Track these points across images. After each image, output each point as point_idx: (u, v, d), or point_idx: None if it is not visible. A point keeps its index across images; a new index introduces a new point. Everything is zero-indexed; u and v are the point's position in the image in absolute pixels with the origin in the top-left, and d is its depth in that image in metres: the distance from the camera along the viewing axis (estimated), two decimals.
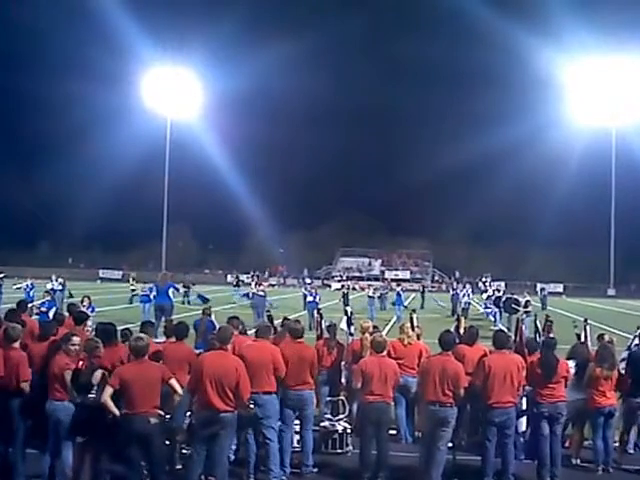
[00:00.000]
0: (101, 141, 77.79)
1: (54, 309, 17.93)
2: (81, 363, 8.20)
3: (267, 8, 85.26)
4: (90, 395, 7.84)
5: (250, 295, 30.94)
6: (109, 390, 7.71)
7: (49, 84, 74.71)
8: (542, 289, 47.57)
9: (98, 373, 7.94)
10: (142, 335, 8.50)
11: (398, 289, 35.97)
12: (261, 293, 29.22)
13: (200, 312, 14.05)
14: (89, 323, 11.57)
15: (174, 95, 78.13)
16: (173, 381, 7.99)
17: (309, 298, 29.49)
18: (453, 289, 40.55)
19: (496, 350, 9.42)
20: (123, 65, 76.62)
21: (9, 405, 8.47)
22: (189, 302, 35.16)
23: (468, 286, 38.98)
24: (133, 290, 37.45)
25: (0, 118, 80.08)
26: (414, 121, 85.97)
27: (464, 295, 35.37)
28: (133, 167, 73.29)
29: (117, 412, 7.69)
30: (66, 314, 12.42)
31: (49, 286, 29.42)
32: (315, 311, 14.25)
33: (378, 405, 9.07)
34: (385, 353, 9.53)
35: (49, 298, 20.81)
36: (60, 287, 31.79)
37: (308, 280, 41.20)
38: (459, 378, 8.91)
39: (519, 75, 76.68)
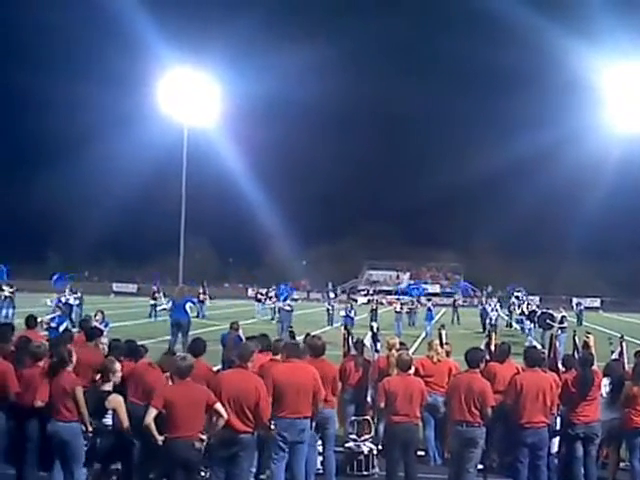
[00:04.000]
0: (114, 146, 77.97)
1: (65, 324, 18.01)
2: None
3: (287, 11, 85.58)
4: (104, 420, 7.81)
5: (277, 310, 31.13)
6: (153, 412, 7.65)
7: (61, 85, 75.37)
8: (578, 303, 47.17)
9: (115, 396, 7.93)
10: (186, 355, 8.54)
11: (428, 304, 36.03)
12: (287, 308, 29.36)
13: (220, 327, 14.15)
14: (103, 340, 11.53)
15: (191, 100, 78.47)
16: (218, 405, 7.89)
17: (341, 313, 29.72)
18: (482, 304, 40.45)
19: (528, 368, 9.41)
20: (139, 68, 76.90)
21: (25, 426, 8.58)
22: (203, 316, 35.37)
23: (495, 300, 38.96)
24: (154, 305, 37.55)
25: (9, 120, 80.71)
26: (442, 127, 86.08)
27: (492, 310, 35.31)
28: (148, 175, 73.73)
29: (160, 438, 7.62)
30: (76, 330, 12.46)
31: (62, 299, 29.66)
32: (343, 327, 14.34)
33: (404, 426, 9.08)
34: (412, 371, 9.57)
35: (59, 313, 20.89)
36: (77, 302, 31.95)
37: (332, 295, 41.19)
38: (486, 396, 8.94)
39: (554, 78, 76.38)
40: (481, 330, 33.59)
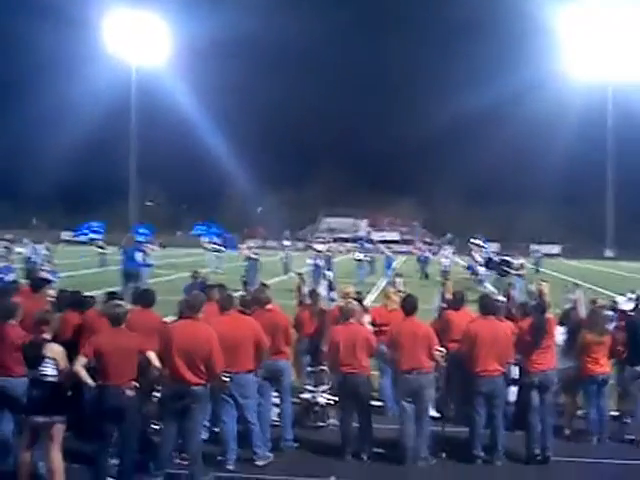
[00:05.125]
0: (61, 88, 75.95)
1: (12, 275, 17.73)
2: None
3: None
4: (42, 369, 7.74)
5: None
6: (82, 360, 7.73)
7: (2, 25, 73.33)
8: (536, 251, 47.89)
9: (54, 346, 7.87)
10: (120, 302, 8.53)
11: (388, 252, 36.47)
12: (254, 256, 29.18)
13: (172, 276, 14.09)
14: (50, 291, 11.39)
15: (139, 40, 76.77)
16: (151, 353, 8.00)
17: (309, 261, 29.90)
18: (421, 250, 41.29)
19: (483, 316, 9.54)
20: (84, 8, 75.09)
21: None
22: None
23: (449, 247, 39.76)
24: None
25: None
26: (403, 75, 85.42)
27: (445, 257, 36.04)
28: (96, 118, 72.26)
29: (92, 382, 7.70)
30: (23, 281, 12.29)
31: (22, 250, 29.14)
32: (297, 275, 14.29)
33: (350, 376, 9.17)
34: (368, 319, 9.61)
35: (6, 263, 20.59)
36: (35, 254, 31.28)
37: (287, 242, 41.14)
38: (432, 340, 9.13)
39: (512, 25, 76.07)
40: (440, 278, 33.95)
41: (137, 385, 7.89)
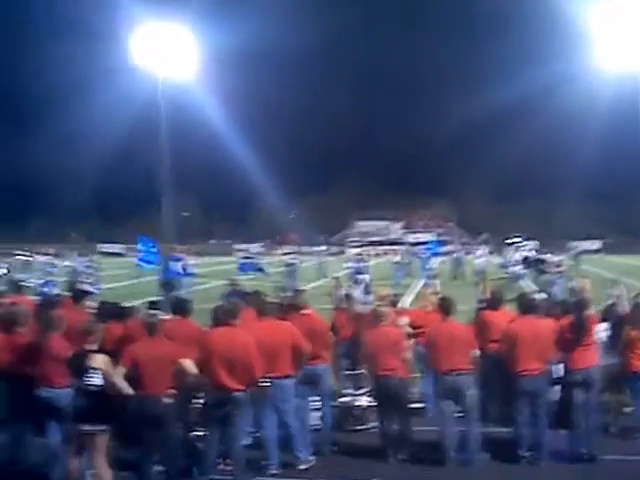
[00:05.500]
0: (92, 103, 76.90)
1: (56, 288, 18.02)
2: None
3: None
4: (87, 379, 7.88)
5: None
6: (121, 370, 7.85)
7: (31, 42, 74.33)
8: (574, 247, 47.46)
9: (99, 356, 8.00)
10: (155, 312, 8.65)
11: (426, 254, 36.55)
12: (292, 261, 29.32)
13: (208, 285, 14.21)
14: (91, 303, 11.59)
15: (167, 52, 77.40)
16: (187, 361, 8.11)
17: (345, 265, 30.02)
18: (456, 251, 41.13)
19: (522, 315, 9.50)
20: (111, 22, 75.90)
21: (16, 392, 8.64)
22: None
23: (483, 247, 39.59)
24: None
25: None
26: (428, 72, 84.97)
27: (480, 257, 35.92)
28: (126, 130, 72.73)
29: (131, 391, 7.81)
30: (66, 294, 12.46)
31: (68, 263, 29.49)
32: (333, 280, 14.36)
33: (385, 379, 9.19)
34: (405, 322, 9.61)
35: (50, 278, 20.92)
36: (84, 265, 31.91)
37: (322, 247, 41.26)
38: (470, 341, 9.13)
39: (541, 18, 75.51)
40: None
41: (174, 393, 7.99)
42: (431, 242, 39.97)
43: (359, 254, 34.01)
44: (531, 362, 9.11)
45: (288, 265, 29.58)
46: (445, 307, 9.48)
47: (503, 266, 33.63)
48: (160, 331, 8.24)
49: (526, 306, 9.51)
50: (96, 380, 7.77)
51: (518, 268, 30.19)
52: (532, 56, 73.66)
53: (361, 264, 29.50)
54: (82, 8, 76.26)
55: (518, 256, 31.17)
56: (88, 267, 32.69)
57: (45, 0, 78.95)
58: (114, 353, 8.71)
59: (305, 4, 77.11)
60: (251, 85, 77.50)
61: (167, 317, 9.80)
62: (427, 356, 9.56)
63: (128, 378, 7.87)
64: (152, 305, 10.35)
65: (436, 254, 39.50)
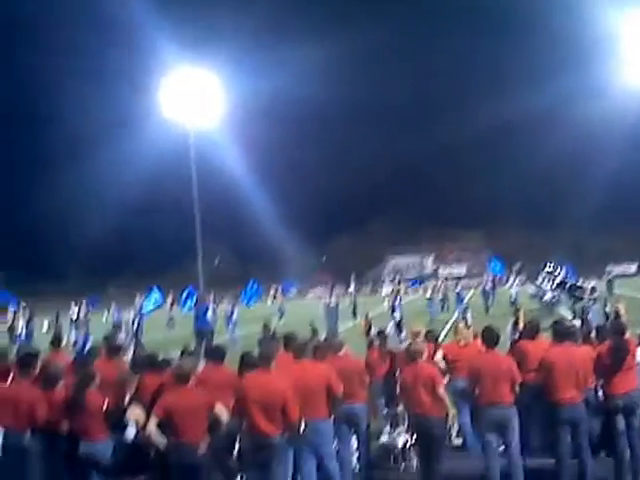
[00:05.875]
0: (118, 153, 78.18)
1: (90, 342, 18.23)
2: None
3: (291, 8, 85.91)
4: (125, 432, 7.94)
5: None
6: (154, 420, 7.90)
7: (59, 86, 75.84)
8: (608, 272, 47.01)
9: (135, 409, 8.08)
10: (184, 361, 8.71)
11: (459, 288, 36.51)
12: (332, 304, 29.28)
13: (245, 331, 14.26)
14: (126, 356, 11.70)
15: (195, 100, 78.65)
16: (219, 407, 8.15)
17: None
18: (485, 283, 40.76)
19: (557, 342, 9.40)
20: (142, 68, 77.42)
21: (55, 448, 8.70)
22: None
23: (515, 277, 39.45)
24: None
25: (13, 126, 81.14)
26: (451, 96, 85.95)
27: (513, 287, 35.88)
28: (155, 180, 74.05)
29: (164, 441, 7.85)
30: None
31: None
32: (364, 319, 14.35)
33: (422, 418, 9.09)
34: (423, 360, 9.48)
35: (86, 331, 21.21)
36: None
37: (352, 287, 41.25)
38: (513, 374, 9.01)
39: (570, 28, 75.32)
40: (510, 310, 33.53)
41: (210, 441, 7.99)
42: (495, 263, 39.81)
43: (392, 291, 33.97)
44: (568, 390, 8.99)
45: (328, 307, 29.70)
46: (488, 337, 9.37)
47: (535, 295, 33.40)
48: (190, 379, 8.24)
49: (561, 333, 9.41)
50: (133, 432, 7.83)
51: (550, 296, 30.00)
52: (566, 69, 73.56)
53: (394, 302, 29.43)
54: (112, 52, 78.06)
55: (551, 284, 30.96)
56: (124, 321, 32.94)
57: (77, 44, 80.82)
58: (150, 404, 8.80)
59: (330, 53, 78.30)
60: (279, 131, 78.64)
61: (202, 364, 9.83)
62: (470, 388, 9.40)
63: (162, 428, 7.89)
64: (183, 354, 10.40)
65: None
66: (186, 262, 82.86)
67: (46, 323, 39.59)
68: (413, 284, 41.49)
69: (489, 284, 39.80)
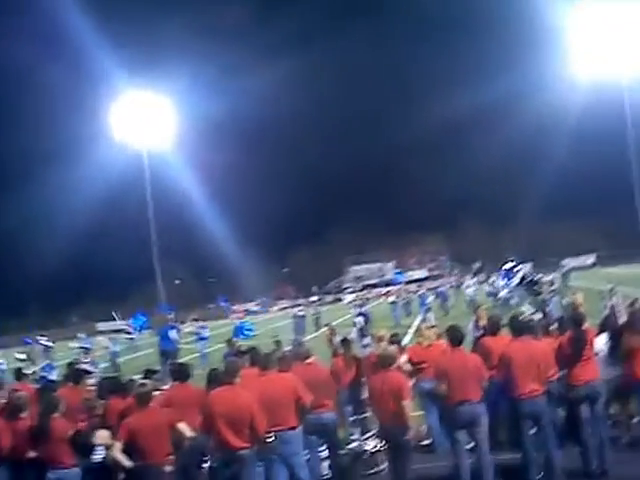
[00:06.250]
0: (67, 175, 77.19)
1: (55, 372, 18.13)
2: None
3: (241, 33, 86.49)
4: (93, 456, 7.90)
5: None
6: (118, 444, 7.85)
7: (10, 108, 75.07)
8: (562, 266, 47.75)
9: (102, 432, 8.04)
10: (145, 382, 8.68)
11: (421, 291, 36.87)
12: (300, 314, 29.63)
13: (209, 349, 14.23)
14: (90, 381, 11.62)
15: (146, 123, 78.37)
16: (181, 425, 8.13)
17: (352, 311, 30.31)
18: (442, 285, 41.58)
19: (515, 337, 9.47)
20: (93, 91, 77.14)
21: (22, 477, 8.67)
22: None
23: (471, 277, 40.22)
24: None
25: None
26: (402, 97, 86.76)
27: (469, 287, 36.51)
28: (108, 205, 73.46)
29: (129, 464, 7.78)
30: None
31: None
32: (327, 327, 14.35)
33: (390, 426, 9.08)
34: (403, 361, 9.57)
35: (48, 361, 21.06)
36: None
37: (314, 298, 41.49)
38: (480, 371, 9.11)
39: (517, 22, 76.30)
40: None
41: (173, 460, 7.96)
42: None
43: (354, 299, 34.30)
44: (529, 384, 9.06)
45: (295, 317, 30.10)
46: (453, 336, 9.44)
47: (491, 293, 33.86)
48: (150, 400, 8.20)
49: (518, 328, 9.51)
50: (100, 456, 7.79)
51: (506, 292, 30.61)
52: (509, 62, 74.46)
53: (357, 308, 29.67)
54: (62, 75, 77.36)
55: (507, 280, 31.51)
56: (87, 347, 32.79)
57: (29, 65, 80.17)
58: (116, 428, 8.76)
59: (281, 75, 78.87)
60: (232, 150, 78.82)
61: (166, 385, 9.80)
62: (437, 388, 9.43)
63: (128, 450, 7.84)
64: (145, 375, 10.37)
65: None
66: (146, 284, 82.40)
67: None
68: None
69: (447, 286, 40.51)
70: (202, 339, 27.55)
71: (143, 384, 8.47)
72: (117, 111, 77.84)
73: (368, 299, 38.12)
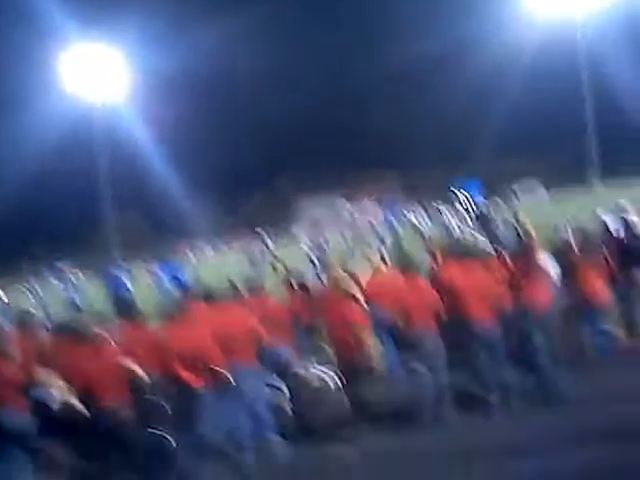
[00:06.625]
0: (14, 127, 75.87)
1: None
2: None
3: None
4: (42, 399, 7.75)
5: None
6: (69, 389, 7.74)
7: None
8: (514, 193, 48.16)
9: (54, 377, 7.88)
10: (90, 322, 8.53)
11: (376, 226, 37.32)
12: (258, 252, 29.75)
13: None
14: (40, 326, 11.43)
15: (98, 76, 77.25)
16: (132, 365, 7.98)
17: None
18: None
19: (463, 263, 9.59)
20: (43, 43, 75.12)
21: None
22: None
23: (423, 211, 40.64)
24: None
25: None
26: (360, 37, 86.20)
27: (420, 220, 37.04)
28: (58, 156, 72.24)
29: (82, 408, 7.67)
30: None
31: None
32: (283, 265, 14.34)
33: (346, 356, 9.23)
34: (351, 295, 9.51)
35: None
36: None
37: (267, 239, 41.22)
38: (434, 299, 9.17)
39: None
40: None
41: (128, 400, 7.88)
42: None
43: (309, 238, 34.39)
44: (479, 309, 9.20)
45: (251, 255, 30.52)
46: (406, 266, 9.45)
47: (442, 226, 34.13)
48: (99, 341, 8.05)
49: (463, 253, 9.60)
50: (51, 399, 7.67)
51: (455, 225, 31.23)
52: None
53: (312, 247, 29.77)
54: (10, 25, 75.32)
55: (457, 212, 32.07)
56: (41, 294, 32.66)
57: None
58: (67, 372, 8.65)
59: (234, 29, 77.47)
60: (185, 102, 78.16)
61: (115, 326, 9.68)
62: (392, 318, 9.44)
63: (80, 395, 7.72)
64: (95, 317, 10.22)
65: None
66: (97, 233, 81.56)
67: None
68: None
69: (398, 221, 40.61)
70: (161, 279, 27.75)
71: (90, 326, 8.31)
72: (67, 63, 76.74)
73: (323, 237, 37.95)
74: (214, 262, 38.25)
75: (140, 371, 8.06)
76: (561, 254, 10.92)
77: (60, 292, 31.00)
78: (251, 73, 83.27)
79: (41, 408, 7.73)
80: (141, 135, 79.74)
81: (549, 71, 72.07)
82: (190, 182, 79.31)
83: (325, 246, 32.36)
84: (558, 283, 10.43)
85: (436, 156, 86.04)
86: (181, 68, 76.37)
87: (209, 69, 79.69)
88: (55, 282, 37.61)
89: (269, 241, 41.12)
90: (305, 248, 30.09)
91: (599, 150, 78.03)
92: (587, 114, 78.14)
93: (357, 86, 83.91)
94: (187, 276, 24.41)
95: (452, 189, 34.90)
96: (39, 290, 34.41)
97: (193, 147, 79.27)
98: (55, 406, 7.71)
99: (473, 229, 30.28)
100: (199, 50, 77.89)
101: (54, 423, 7.75)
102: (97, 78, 76.60)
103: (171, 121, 77.57)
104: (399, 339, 9.75)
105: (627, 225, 11.56)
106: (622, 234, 11.33)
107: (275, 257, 35.43)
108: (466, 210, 29.82)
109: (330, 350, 10.49)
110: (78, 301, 29.75)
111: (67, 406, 7.72)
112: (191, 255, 40.02)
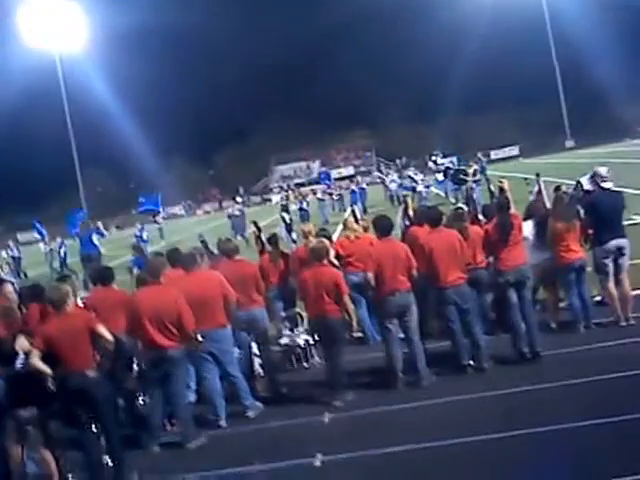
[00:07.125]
0: None
1: None
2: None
3: None
4: (17, 364, 7.61)
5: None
6: (36, 353, 7.52)
7: None
8: (486, 156, 48.33)
9: (22, 340, 7.73)
10: (58, 284, 8.37)
11: (353, 186, 37.27)
12: (237, 213, 29.80)
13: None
14: (9, 288, 11.27)
15: (56, 28, 76.00)
16: (100, 328, 7.73)
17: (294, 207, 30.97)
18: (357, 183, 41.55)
19: (432, 227, 9.60)
20: None
21: None
22: None
23: (393, 172, 40.81)
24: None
25: None
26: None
27: (392, 182, 37.05)
28: (21, 112, 71.23)
29: (49, 371, 7.45)
30: None
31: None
32: (253, 224, 14.10)
33: (320, 320, 9.07)
34: (326, 259, 9.42)
35: None
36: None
37: (239, 199, 40.83)
38: (409, 259, 9.13)
39: None
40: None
41: (98, 364, 7.73)
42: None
43: (281, 198, 34.19)
44: (451, 272, 9.20)
45: (231, 217, 30.38)
46: (382, 227, 9.39)
47: (408, 187, 34.07)
48: (65, 304, 7.84)
49: (433, 218, 9.59)
50: (20, 364, 7.53)
51: (423, 186, 31.45)
52: None
53: (284, 206, 29.65)
54: None
55: (420, 175, 32.44)
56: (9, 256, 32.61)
57: None
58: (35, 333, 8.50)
59: None
60: (147, 56, 76.92)
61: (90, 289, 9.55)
62: (367, 279, 9.36)
63: (47, 358, 7.58)
64: (60, 279, 10.06)
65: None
66: (66, 190, 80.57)
67: None
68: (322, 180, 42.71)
69: (362, 185, 40.42)
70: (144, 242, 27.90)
71: (56, 287, 8.13)
72: (26, 15, 75.36)
73: (295, 197, 37.86)
74: (185, 223, 37.83)
75: (108, 334, 7.88)
76: (535, 211, 10.88)
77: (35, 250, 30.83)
78: (216, 25, 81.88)
79: (15, 372, 7.58)
80: (106, 90, 78.56)
81: (514, 26, 71.91)
82: (159, 139, 78.48)
83: (297, 206, 32.35)
84: (534, 242, 10.39)
85: (404, 115, 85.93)
86: (144, 21, 74.92)
87: (173, 20, 78.48)
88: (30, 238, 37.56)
89: (240, 200, 40.95)
90: (277, 208, 29.96)
91: (570, 108, 78.45)
92: (556, 74, 78.47)
93: (322, 41, 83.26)
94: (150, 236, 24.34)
95: (431, 154, 35.08)
96: (13, 248, 34.21)
97: (160, 103, 78.15)
98: (19, 366, 7.56)
99: (445, 190, 30.55)
100: (158, 3, 76.80)
101: (19, 384, 7.61)
102: (57, 31, 75.66)
103: (136, 75, 76.35)
104: (374, 301, 9.69)
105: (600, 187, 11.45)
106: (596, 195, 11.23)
107: (245, 216, 35.54)
108: (439, 171, 29.95)
109: (304, 313, 10.45)
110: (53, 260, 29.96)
111: (34, 369, 7.57)
112: (160, 216, 39.39)
